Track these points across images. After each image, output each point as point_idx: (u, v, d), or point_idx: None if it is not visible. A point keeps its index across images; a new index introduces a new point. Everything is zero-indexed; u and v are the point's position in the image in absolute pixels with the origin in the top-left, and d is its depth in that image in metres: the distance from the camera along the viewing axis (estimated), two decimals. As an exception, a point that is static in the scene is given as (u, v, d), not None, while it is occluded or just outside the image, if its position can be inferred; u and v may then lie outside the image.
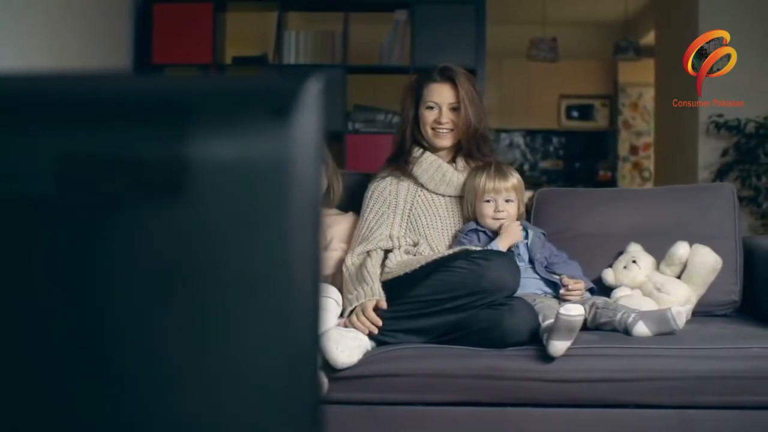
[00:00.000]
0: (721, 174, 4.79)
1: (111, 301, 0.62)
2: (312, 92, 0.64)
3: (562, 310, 1.98)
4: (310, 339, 0.64)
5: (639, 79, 8.92)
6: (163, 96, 0.64)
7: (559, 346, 2.02)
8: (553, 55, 7.09)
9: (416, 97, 2.48)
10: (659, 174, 6.39)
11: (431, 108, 2.46)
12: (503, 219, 2.40)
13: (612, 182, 9.43)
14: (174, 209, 0.62)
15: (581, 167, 9.75)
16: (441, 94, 2.44)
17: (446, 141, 2.47)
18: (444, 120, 2.45)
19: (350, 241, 2.46)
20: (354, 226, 2.50)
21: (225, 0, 4.64)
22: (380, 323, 2.15)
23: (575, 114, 9.73)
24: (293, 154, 0.63)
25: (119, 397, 0.62)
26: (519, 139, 9.90)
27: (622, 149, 9.56)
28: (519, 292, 2.21)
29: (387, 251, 2.38)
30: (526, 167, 9.81)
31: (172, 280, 0.62)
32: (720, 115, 4.75)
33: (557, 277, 2.36)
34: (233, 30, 4.82)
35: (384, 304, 2.19)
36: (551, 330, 2.02)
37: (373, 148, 4.08)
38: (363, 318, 2.16)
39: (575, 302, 2.24)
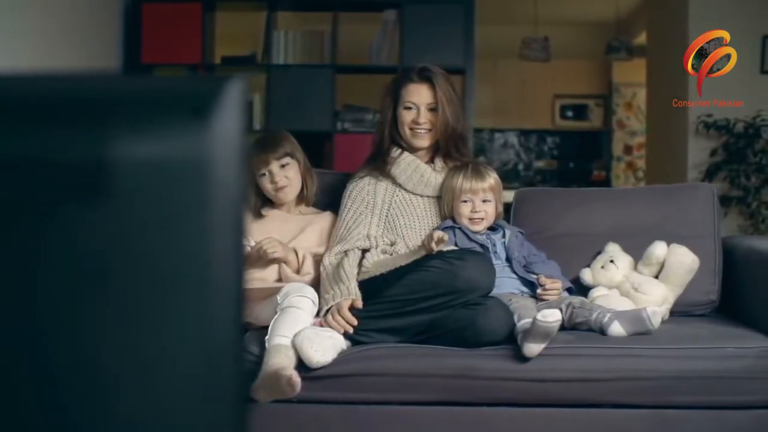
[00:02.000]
0: (710, 174, 4.78)
1: (35, 299, 0.63)
2: (233, 93, 0.64)
3: (539, 316, 1.98)
4: (231, 336, 0.65)
5: (633, 78, 8.90)
6: (83, 97, 0.64)
7: (533, 348, 2.02)
8: (545, 54, 7.08)
9: (395, 98, 2.48)
10: (651, 174, 6.38)
11: (409, 108, 2.46)
12: (480, 219, 2.40)
13: (606, 182, 9.40)
14: (96, 209, 0.62)
15: (575, 167, 9.73)
16: (419, 95, 2.45)
17: (424, 141, 2.47)
18: (422, 120, 2.45)
19: (328, 240, 2.47)
20: (332, 226, 2.50)
21: (214, 0, 4.64)
22: (355, 322, 2.15)
23: (569, 114, 9.71)
24: (214, 154, 0.63)
25: (46, 392, 0.62)
26: (513, 139, 9.89)
27: (617, 149, 9.54)
28: (495, 292, 2.21)
29: (364, 251, 2.39)
30: (520, 167, 9.80)
31: (95, 278, 0.63)
32: (709, 115, 4.74)
33: (535, 276, 2.36)
34: (222, 30, 4.83)
35: (360, 304, 2.19)
36: (527, 333, 2.02)
37: (362, 148, 4.05)
38: (338, 317, 2.16)
39: (552, 302, 2.25)
